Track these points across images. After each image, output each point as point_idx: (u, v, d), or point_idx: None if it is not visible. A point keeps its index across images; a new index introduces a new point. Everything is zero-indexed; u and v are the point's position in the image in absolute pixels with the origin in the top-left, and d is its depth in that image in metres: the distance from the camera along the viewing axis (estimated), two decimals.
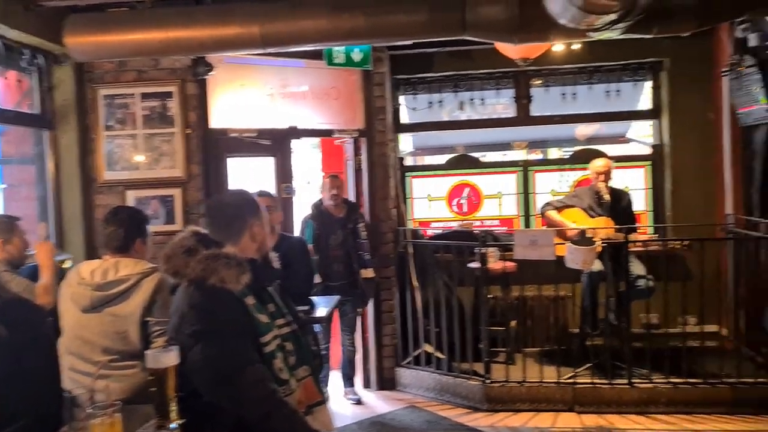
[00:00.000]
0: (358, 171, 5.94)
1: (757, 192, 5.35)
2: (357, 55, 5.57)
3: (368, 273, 5.41)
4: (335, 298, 4.68)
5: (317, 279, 5.07)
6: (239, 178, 5.29)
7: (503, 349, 5.58)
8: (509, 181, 6.68)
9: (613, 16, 3.34)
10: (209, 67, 4.84)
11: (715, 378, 4.92)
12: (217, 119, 5.03)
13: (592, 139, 6.99)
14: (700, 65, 6.04)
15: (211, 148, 4.98)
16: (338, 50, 5.42)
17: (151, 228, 3.10)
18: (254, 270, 2.11)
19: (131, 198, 4.86)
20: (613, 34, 4.14)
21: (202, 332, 1.98)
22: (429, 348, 5.64)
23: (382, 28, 4.18)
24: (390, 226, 5.88)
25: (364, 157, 5.88)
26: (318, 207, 5.54)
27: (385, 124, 5.95)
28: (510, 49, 4.76)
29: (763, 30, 5.20)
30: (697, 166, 6.08)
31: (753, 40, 5.26)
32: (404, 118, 6.76)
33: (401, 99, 6.69)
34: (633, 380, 4.98)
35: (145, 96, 4.87)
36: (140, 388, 2.51)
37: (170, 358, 1.89)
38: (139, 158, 4.88)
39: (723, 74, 5.72)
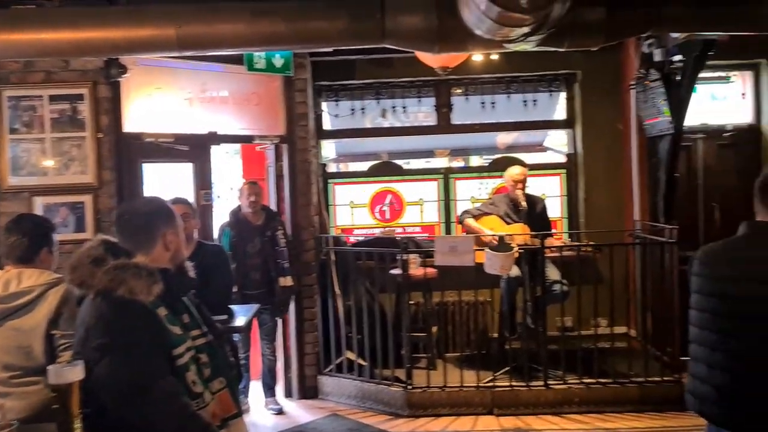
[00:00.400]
0: (279, 177, 5.87)
1: (662, 199, 5.63)
2: (278, 61, 5.52)
3: (286, 281, 5.35)
4: (254, 307, 4.60)
5: (235, 288, 4.98)
6: (156, 185, 5.12)
7: (425, 355, 5.64)
8: (431, 188, 6.77)
9: (526, 29, 3.44)
10: (123, 69, 4.68)
11: (625, 377, 5.15)
12: (131, 123, 4.86)
13: (512, 148, 7.18)
14: (610, 78, 6.33)
15: (125, 153, 4.80)
16: (259, 56, 5.35)
17: (59, 236, 2.97)
18: (167, 280, 2.05)
19: (38, 205, 4.62)
20: (527, 47, 4.27)
21: (109, 345, 1.90)
22: (351, 355, 5.63)
23: (302, 34, 4.15)
24: (312, 233, 5.84)
25: (285, 163, 5.82)
26: (236, 214, 5.44)
27: (307, 131, 5.91)
28: (430, 58, 4.83)
29: (667, 46, 5.49)
30: (608, 175, 6.35)
31: (658, 56, 5.56)
32: (327, 124, 6.75)
33: (324, 105, 6.68)
34: (549, 382, 5.14)
35: (54, 98, 4.66)
36: (43, 406, 2.39)
37: (74, 373, 1.80)
38: (48, 163, 4.66)
39: (631, 87, 6.00)
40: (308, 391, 5.74)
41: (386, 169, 6.90)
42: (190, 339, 2.07)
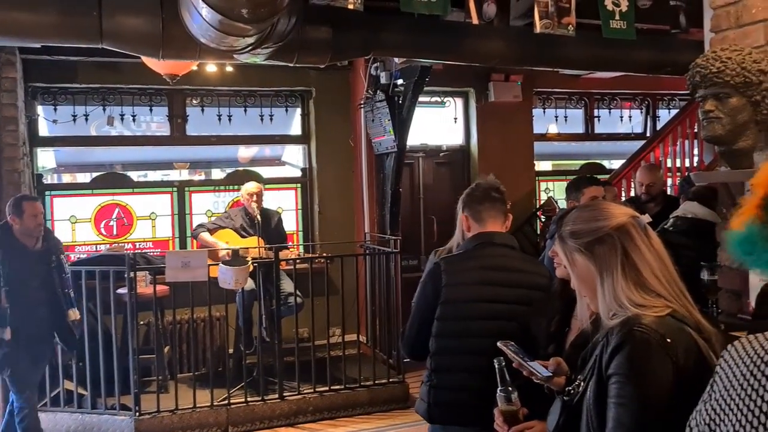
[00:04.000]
0: None
1: (388, 212, 6.05)
2: None
3: None
4: None
5: None
6: None
7: (156, 378, 5.31)
8: (164, 202, 6.45)
9: (250, 40, 3.45)
10: None
11: (355, 382, 5.38)
12: None
13: (253, 161, 7.15)
14: (342, 97, 6.64)
15: None
16: None
17: None
18: None
19: None
20: (257, 59, 4.30)
21: None
22: (70, 385, 5.08)
23: (1, 25, 3.69)
24: None
25: None
26: None
27: (16, 137, 5.26)
28: (156, 65, 4.61)
29: (391, 70, 5.93)
30: (341, 189, 6.64)
31: (383, 78, 5.97)
32: (43, 130, 6.08)
33: (39, 109, 6.01)
34: (284, 394, 5.17)
35: None
36: None
37: None
38: None
39: (360, 106, 6.36)
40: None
41: (113, 180, 6.41)
42: None
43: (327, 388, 5.25)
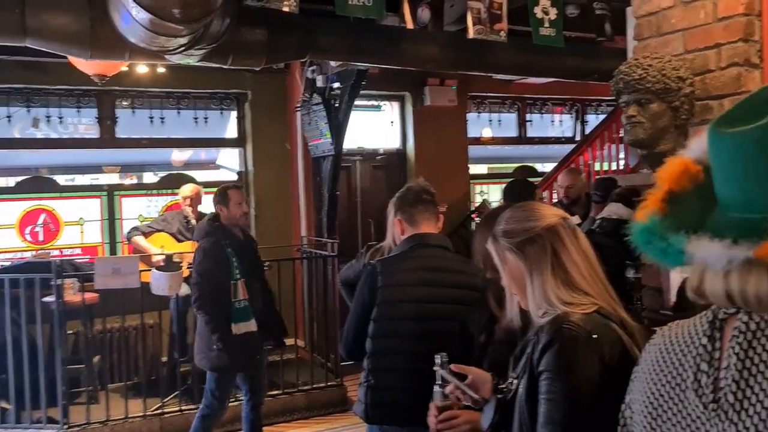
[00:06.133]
0: None
1: (326, 215, 6.03)
2: None
3: None
4: None
5: None
6: None
7: (85, 389, 5.12)
8: (94, 207, 6.24)
9: (182, 41, 3.38)
10: None
11: (293, 387, 5.33)
12: None
13: (187, 165, 7.01)
14: (278, 100, 6.59)
15: None
16: None
17: None
18: None
19: None
20: (191, 60, 4.22)
21: None
22: None
23: None
24: None
25: None
26: None
27: None
28: (84, 65, 4.46)
29: (327, 73, 5.93)
30: (278, 192, 6.58)
31: (320, 81, 5.96)
32: None
33: None
34: None
35: None
36: None
37: None
38: None
39: (297, 110, 6.33)
40: None
41: (39, 185, 6.17)
42: None
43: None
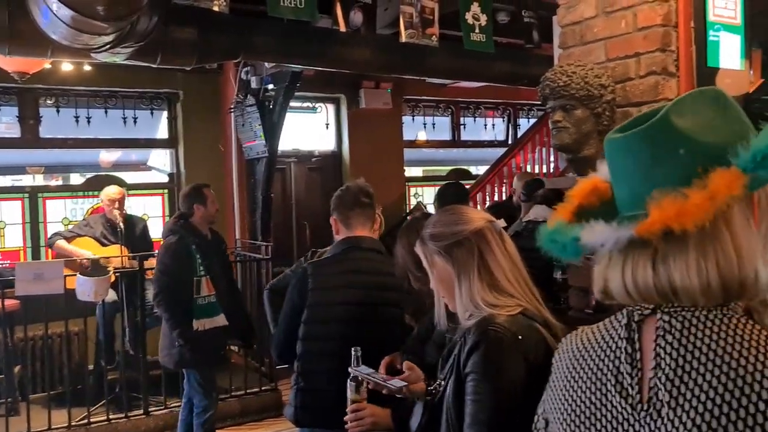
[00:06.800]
0: None
1: (259, 218, 5.96)
2: None
3: None
4: None
5: None
6: None
7: (5, 400, 4.88)
8: (15, 209, 5.97)
9: (108, 39, 3.28)
10: None
11: (226, 393, 5.23)
12: None
13: (116, 166, 6.79)
14: (212, 100, 6.47)
15: None
16: None
17: None
18: None
19: None
20: (117, 58, 4.10)
21: None
22: None
23: None
24: None
25: None
26: None
27: None
28: (3, 61, 4.26)
29: (261, 74, 5.86)
30: None
31: (254, 83, 5.89)
32: None
33: None
34: (150, 409, 4.93)
35: None
36: None
37: None
38: None
39: (230, 111, 6.23)
40: None
41: None
42: None
43: None
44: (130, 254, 5.17)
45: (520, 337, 1.48)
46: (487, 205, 6.75)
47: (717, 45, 2.51)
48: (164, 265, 3.98)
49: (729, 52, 2.55)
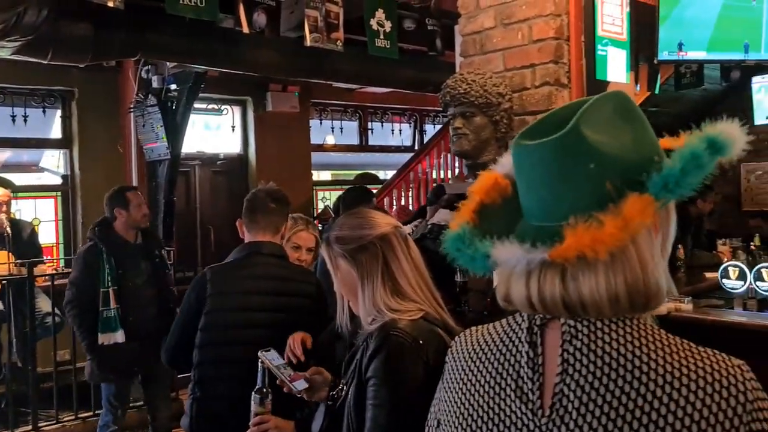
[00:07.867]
0: None
1: (161, 222, 5.76)
2: None
3: None
4: None
5: None
6: None
7: None
8: None
9: None
10: None
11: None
12: None
13: (5, 166, 6.38)
14: (110, 99, 6.20)
15: None
16: None
17: None
18: None
19: None
20: (3, 53, 3.86)
21: None
22: None
23: None
24: None
25: None
26: None
27: None
28: None
29: (164, 74, 5.67)
30: None
31: (155, 82, 5.69)
32: None
33: None
34: (39, 424, 4.65)
35: None
36: None
37: None
38: None
39: (130, 111, 5.99)
40: None
41: None
42: None
43: (91, 413, 4.83)
44: (17, 261, 4.87)
45: (421, 341, 1.50)
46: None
47: (605, 59, 2.65)
48: (73, 275, 3.85)
49: (616, 66, 2.70)
